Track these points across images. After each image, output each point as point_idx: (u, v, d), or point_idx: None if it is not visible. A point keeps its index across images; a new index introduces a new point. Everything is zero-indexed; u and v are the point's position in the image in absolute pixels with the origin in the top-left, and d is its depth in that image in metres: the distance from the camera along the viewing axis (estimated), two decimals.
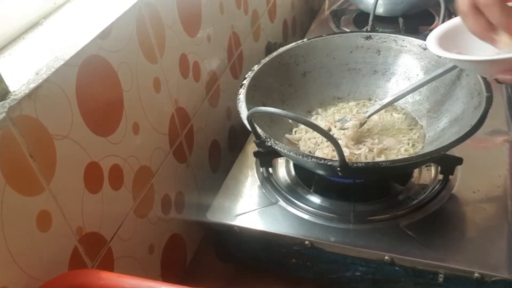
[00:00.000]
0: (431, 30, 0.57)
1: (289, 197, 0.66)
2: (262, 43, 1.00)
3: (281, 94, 0.76)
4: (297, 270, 0.65)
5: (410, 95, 0.75)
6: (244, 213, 0.65)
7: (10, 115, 0.40)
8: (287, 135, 0.73)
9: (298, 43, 0.78)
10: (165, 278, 0.66)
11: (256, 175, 0.71)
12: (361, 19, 1.10)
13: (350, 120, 0.72)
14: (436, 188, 0.64)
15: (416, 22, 1.02)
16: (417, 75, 0.75)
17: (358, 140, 0.70)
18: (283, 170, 0.72)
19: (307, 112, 0.79)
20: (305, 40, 0.79)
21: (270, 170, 0.71)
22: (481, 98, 0.61)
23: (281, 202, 0.66)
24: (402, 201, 0.63)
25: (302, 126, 0.74)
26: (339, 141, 0.54)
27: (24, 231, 0.42)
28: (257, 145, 0.62)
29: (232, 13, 0.84)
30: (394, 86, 0.78)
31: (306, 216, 0.63)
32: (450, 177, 0.64)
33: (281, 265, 0.65)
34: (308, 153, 0.66)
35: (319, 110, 0.79)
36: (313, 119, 0.77)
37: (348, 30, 1.05)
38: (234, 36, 0.85)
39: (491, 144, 0.69)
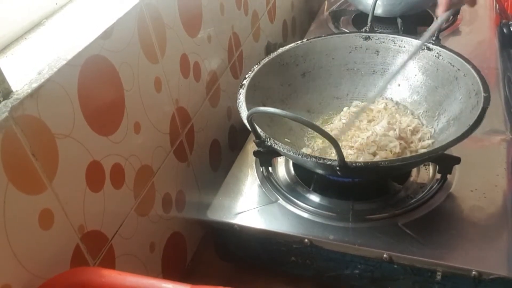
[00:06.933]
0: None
1: (289, 195, 0.66)
2: (262, 44, 1.01)
3: (280, 94, 0.77)
4: (296, 268, 0.65)
5: (409, 95, 0.76)
6: (244, 211, 0.65)
7: (13, 115, 0.40)
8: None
9: (297, 43, 0.79)
10: (166, 276, 0.66)
11: (256, 174, 0.71)
12: (360, 20, 1.10)
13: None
14: (434, 187, 0.64)
15: (414, 22, 1.03)
16: (415, 75, 0.76)
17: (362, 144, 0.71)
18: (282, 169, 0.72)
19: (307, 112, 0.79)
20: (304, 40, 0.79)
21: (270, 169, 0.71)
22: (479, 98, 0.61)
23: (281, 201, 0.66)
24: (400, 200, 0.64)
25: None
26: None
27: (27, 229, 0.43)
28: (257, 144, 0.62)
29: (232, 14, 0.84)
30: (393, 86, 0.78)
31: (305, 215, 0.63)
32: (448, 176, 0.64)
33: (281, 263, 0.66)
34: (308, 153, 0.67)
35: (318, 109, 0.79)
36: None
37: (347, 31, 1.05)
38: (234, 36, 0.86)
39: (489, 144, 0.70)
